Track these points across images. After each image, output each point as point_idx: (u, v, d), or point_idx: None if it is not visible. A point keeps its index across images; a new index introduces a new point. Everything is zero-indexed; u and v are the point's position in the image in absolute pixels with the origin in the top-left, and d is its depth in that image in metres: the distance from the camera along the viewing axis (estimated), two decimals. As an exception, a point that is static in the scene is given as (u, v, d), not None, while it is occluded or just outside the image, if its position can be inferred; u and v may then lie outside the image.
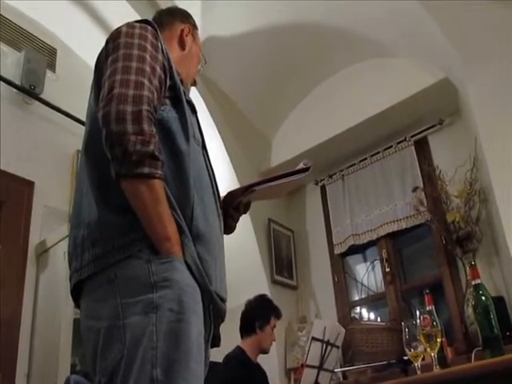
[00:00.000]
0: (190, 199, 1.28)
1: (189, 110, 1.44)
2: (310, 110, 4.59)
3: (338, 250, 4.47)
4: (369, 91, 4.15)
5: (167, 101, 1.36)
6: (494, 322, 2.12)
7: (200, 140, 1.46)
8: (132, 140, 1.16)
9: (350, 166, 4.58)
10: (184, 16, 1.82)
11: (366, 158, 4.48)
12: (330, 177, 4.70)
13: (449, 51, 3.45)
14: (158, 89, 1.29)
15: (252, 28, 4.06)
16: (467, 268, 3.38)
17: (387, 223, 4.16)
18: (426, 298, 2.40)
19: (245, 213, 1.65)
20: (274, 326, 3.42)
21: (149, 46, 1.33)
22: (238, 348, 3.33)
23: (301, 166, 1.57)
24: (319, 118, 4.46)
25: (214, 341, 1.46)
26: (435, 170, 3.89)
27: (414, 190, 3.96)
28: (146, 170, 1.17)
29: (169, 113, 1.34)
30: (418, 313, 2.27)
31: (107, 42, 1.37)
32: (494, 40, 3.28)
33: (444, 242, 3.72)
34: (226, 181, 4.21)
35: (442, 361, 2.29)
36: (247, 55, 4.24)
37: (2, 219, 3.15)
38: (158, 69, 1.32)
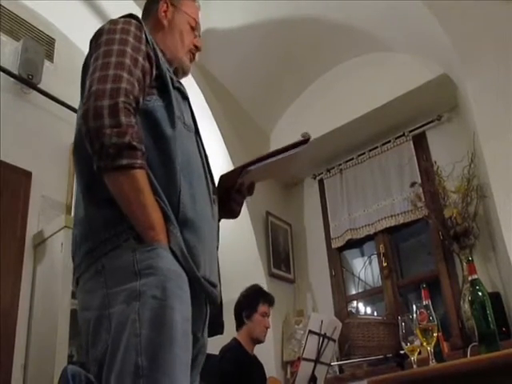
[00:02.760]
0: (177, 185, 1.29)
1: (178, 97, 1.45)
2: (309, 103, 4.58)
3: (335, 244, 4.48)
4: (367, 86, 4.15)
5: (154, 90, 1.38)
6: (490, 318, 2.13)
7: (192, 125, 1.47)
8: (108, 133, 1.18)
9: (348, 160, 4.58)
10: None
11: (364, 153, 4.48)
12: (328, 171, 4.70)
13: (448, 47, 3.44)
14: (140, 79, 1.31)
15: (251, 21, 4.05)
16: (464, 264, 3.39)
17: (385, 218, 4.16)
18: (423, 293, 2.40)
19: (250, 195, 1.61)
20: (266, 313, 3.38)
21: (131, 39, 1.35)
22: (234, 340, 3.33)
23: (299, 138, 1.53)
24: (318, 112, 4.46)
25: (216, 327, 1.47)
26: (433, 165, 3.89)
27: (412, 185, 3.96)
28: (124, 161, 1.19)
29: (155, 102, 1.35)
30: (414, 307, 2.26)
31: (91, 42, 1.40)
32: (493, 36, 3.27)
33: (441, 237, 3.73)
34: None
35: (438, 355, 2.30)
36: (246, 48, 4.23)
37: (-1, 209, 3.14)
38: (141, 59, 1.33)
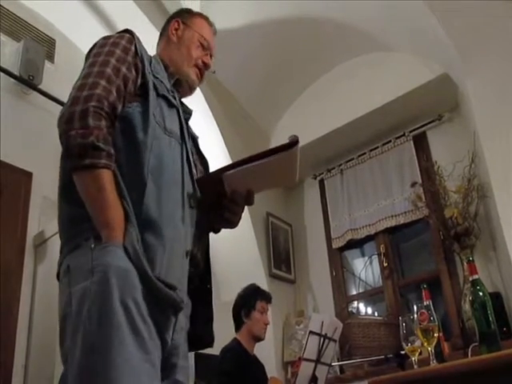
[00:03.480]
0: (142, 187, 1.32)
1: (163, 104, 1.50)
2: (309, 104, 4.58)
3: (336, 245, 4.48)
4: (368, 86, 4.15)
5: (138, 98, 1.44)
6: (490, 318, 2.12)
7: (176, 132, 1.50)
8: (73, 135, 1.26)
9: (349, 160, 4.57)
10: (176, 14, 1.89)
11: (364, 153, 4.48)
12: (329, 171, 4.70)
13: (448, 47, 3.44)
14: (120, 87, 1.39)
15: (251, 22, 4.05)
16: (465, 264, 3.39)
17: (385, 218, 4.16)
18: (424, 293, 2.40)
19: (249, 204, 1.57)
20: (264, 310, 3.39)
21: (118, 51, 1.44)
22: (234, 340, 3.33)
23: (287, 142, 1.44)
24: (318, 113, 4.45)
25: (198, 339, 1.50)
26: (434, 165, 3.89)
27: (413, 185, 3.96)
28: (88, 161, 1.25)
29: (135, 108, 1.42)
30: (415, 308, 2.26)
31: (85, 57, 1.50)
32: (493, 35, 3.28)
33: (442, 237, 3.73)
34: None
35: (439, 356, 2.30)
36: (246, 49, 4.23)
37: (0, 210, 3.14)
38: (124, 69, 1.42)
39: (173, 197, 1.39)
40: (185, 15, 1.87)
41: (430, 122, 4.15)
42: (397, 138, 4.29)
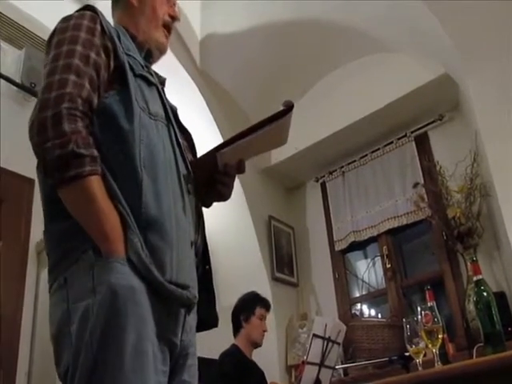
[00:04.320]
0: (138, 183, 1.22)
1: (143, 85, 1.36)
2: (310, 106, 4.57)
3: (338, 247, 4.47)
4: (368, 87, 4.14)
5: (114, 84, 1.30)
6: (495, 318, 2.12)
7: (161, 113, 1.38)
8: (50, 147, 1.13)
9: (351, 162, 4.57)
10: None
11: (366, 155, 4.47)
12: (331, 173, 4.69)
13: (448, 46, 3.43)
14: (92, 77, 1.24)
15: (251, 25, 4.05)
16: (468, 264, 3.37)
17: (388, 219, 4.15)
18: (427, 294, 2.39)
19: (240, 173, 1.48)
20: (263, 317, 3.42)
21: (82, 34, 1.28)
22: (233, 345, 3.36)
23: (282, 108, 1.39)
24: (319, 115, 4.44)
25: (211, 321, 1.45)
26: (435, 165, 3.88)
27: (415, 185, 3.95)
28: (72, 172, 1.13)
29: (112, 97, 1.28)
30: (419, 309, 2.25)
31: (46, 44, 1.34)
32: (494, 34, 3.27)
33: (445, 237, 3.70)
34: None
35: (444, 357, 2.29)
36: (247, 52, 4.23)
37: (2, 217, 3.14)
38: (93, 55, 1.26)
39: (171, 188, 1.29)
40: None
41: (431, 122, 4.14)
42: (398, 138, 4.28)
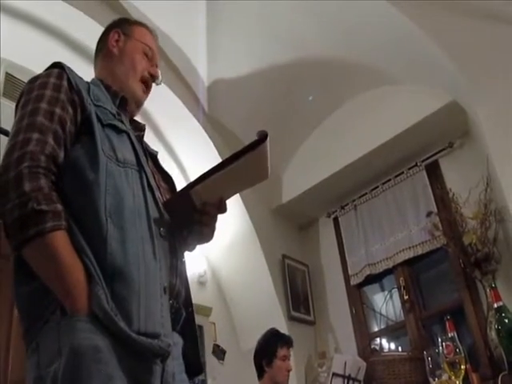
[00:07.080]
0: (103, 233, 1.19)
1: (111, 134, 1.35)
2: (319, 143, 4.57)
3: (354, 281, 4.40)
4: (376, 120, 4.13)
5: (81, 136, 1.30)
6: (519, 345, 2.04)
7: (131, 159, 1.36)
8: (9, 208, 1.12)
9: (362, 195, 4.53)
10: (113, 24, 1.70)
11: (377, 187, 4.44)
12: (343, 208, 4.65)
13: (454, 74, 3.44)
14: (57, 132, 1.25)
15: (256, 68, 4.10)
16: (488, 290, 3.30)
17: (403, 250, 4.09)
18: (448, 325, 2.33)
19: (221, 212, 1.44)
20: (286, 357, 3.28)
21: (48, 92, 1.30)
22: None
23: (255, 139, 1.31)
24: (328, 151, 4.43)
25: (195, 368, 1.40)
26: (448, 193, 3.84)
27: (428, 214, 3.90)
28: (32, 231, 1.11)
29: (79, 150, 1.28)
30: (439, 340, 2.19)
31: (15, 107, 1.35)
32: (500, 59, 3.28)
33: (462, 265, 3.63)
34: (239, 221, 4.22)
35: (468, 388, 2.21)
36: (253, 94, 4.26)
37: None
38: (58, 110, 1.27)
39: (139, 233, 1.26)
40: (124, 25, 1.68)
41: (441, 150, 4.11)
42: (409, 168, 4.25)
